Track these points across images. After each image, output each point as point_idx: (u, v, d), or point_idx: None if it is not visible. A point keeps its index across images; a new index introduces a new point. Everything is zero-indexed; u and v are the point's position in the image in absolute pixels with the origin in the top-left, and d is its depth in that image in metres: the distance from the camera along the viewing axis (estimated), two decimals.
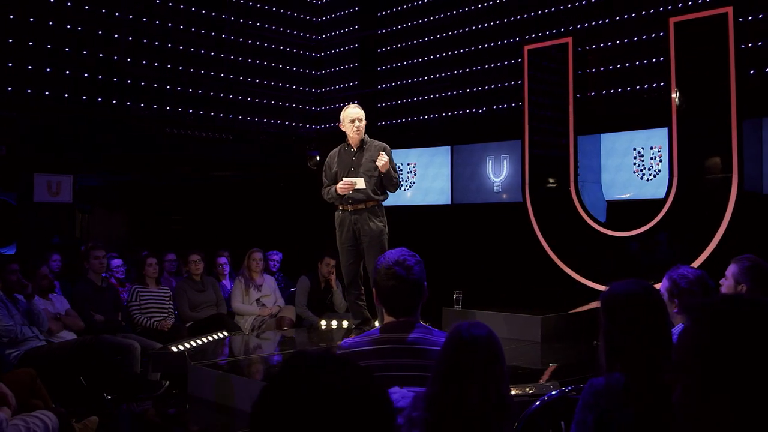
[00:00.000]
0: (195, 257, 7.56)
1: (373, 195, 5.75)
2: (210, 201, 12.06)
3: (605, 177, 8.41)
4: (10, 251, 9.82)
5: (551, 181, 8.22)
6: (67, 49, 8.59)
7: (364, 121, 5.88)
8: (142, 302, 7.04)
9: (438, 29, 10.06)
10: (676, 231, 7.23)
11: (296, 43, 11.05)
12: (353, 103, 6.24)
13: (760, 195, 7.14)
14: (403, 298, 2.81)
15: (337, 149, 6.05)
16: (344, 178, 5.76)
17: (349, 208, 5.83)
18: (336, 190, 5.77)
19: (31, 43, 8.33)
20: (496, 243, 9.03)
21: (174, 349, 5.72)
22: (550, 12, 8.91)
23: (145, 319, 6.95)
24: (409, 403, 2.11)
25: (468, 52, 9.70)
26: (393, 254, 2.84)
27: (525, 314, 6.58)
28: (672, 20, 7.23)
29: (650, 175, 8.03)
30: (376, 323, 5.93)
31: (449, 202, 9.78)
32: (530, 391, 4.03)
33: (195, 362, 5.24)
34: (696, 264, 7.07)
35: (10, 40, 8.19)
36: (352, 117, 5.87)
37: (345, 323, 7.36)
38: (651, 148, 8.00)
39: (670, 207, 7.23)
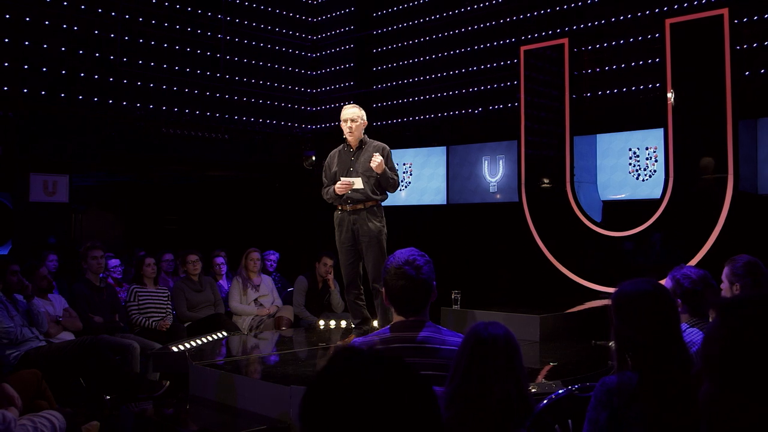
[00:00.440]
0: (193, 257, 7.56)
1: (371, 195, 5.76)
2: (205, 201, 12.07)
3: (601, 177, 8.46)
4: (3, 251, 9.79)
5: (547, 181, 8.26)
6: (63, 49, 8.58)
7: (358, 122, 5.87)
8: (140, 302, 7.04)
9: (433, 30, 10.09)
10: (673, 231, 7.28)
11: (292, 44, 11.05)
12: (350, 103, 6.25)
13: (755, 195, 7.19)
14: (413, 297, 2.84)
15: (337, 149, 6.06)
16: (342, 178, 5.78)
17: (348, 208, 5.84)
18: (335, 190, 5.78)
19: (27, 43, 8.31)
20: (492, 243, 9.07)
21: (174, 349, 5.71)
22: (546, 13, 8.95)
23: (144, 319, 6.94)
24: None
25: (464, 53, 9.74)
26: (403, 254, 2.86)
27: (524, 314, 6.60)
28: (668, 21, 7.28)
29: (646, 175, 8.08)
30: (375, 323, 5.96)
31: (445, 202, 9.81)
32: (533, 390, 4.06)
33: (196, 362, 5.24)
34: (692, 264, 7.14)
35: (6, 40, 8.17)
36: (344, 117, 5.91)
37: (343, 323, 7.37)
38: (647, 149, 8.06)
39: (666, 207, 7.28)
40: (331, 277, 8.00)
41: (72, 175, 8.82)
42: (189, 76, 9.69)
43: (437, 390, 2.33)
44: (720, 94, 6.90)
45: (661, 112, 7.28)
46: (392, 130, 10.18)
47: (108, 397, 5.56)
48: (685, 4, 7.69)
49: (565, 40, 8.14)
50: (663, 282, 3.61)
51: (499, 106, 9.30)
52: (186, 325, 7.17)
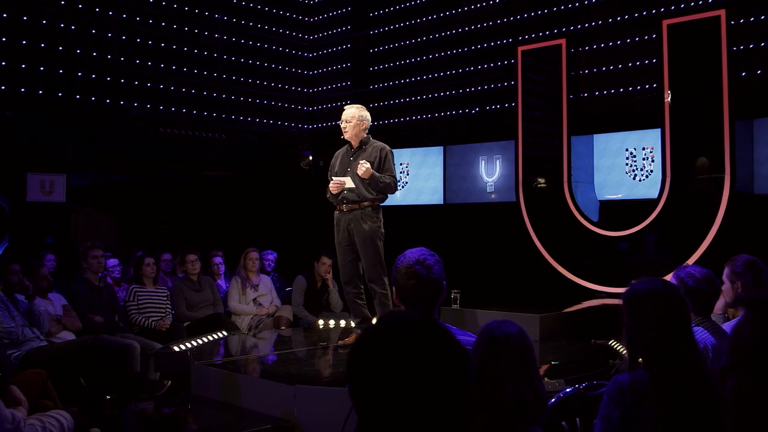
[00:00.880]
0: (192, 257, 7.57)
1: (367, 195, 5.77)
2: (202, 201, 12.06)
3: (597, 177, 8.50)
4: None
5: (545, 181, 8.30)
6: (60, 48, 8.56)
7: (352, 122, 5.89)
8: (139, 302, 7.03)
9: (430, 30, 10.11)
10: (670, 231, 7.33)
11: (289, 43, 11.06)
12: (347, 103, 6.27)
13: (752, 195, 7.24)
14: (423, 296, 2.86)
15: (341, 149, 6.08)
16: (334, 178, 5.82)
17: (345, 208, 5.87)
18: (328, 189, 5.85)
19: (24, 42, 8.29)
20: (490, 243, 9.10)
21: (176, 348, 5.72)
22: (543, 13, 8.98)
23: (143, 319, 6.94)
24: None
25: (461, 53, 9.76)
26: (414, 253, 2.89)
27: (523, 313, 6.63)
28: (665, 22, 7.33)
29: (642, 175, 8.13)
30: (374, 322, 5.97)
31: (442, 202, 9.83)
32: None
33: (199, 362, 5.25)
34: (689, 263, 7.18)
35: (4, 39, 8.15)
36: (341, 118, 5.96)
37: (342, 322, 7.39)
38: (643, 149, 8.10)
39: (663, 207, 7.33)
40: (330, 276, 8.01)
41: (70, 174, 8.80)
42: (186, 75, 9.68)
43: None
44: (717, 95, 6.95)
45: (658, 112, 7.33)
46: (389, 130, 10.20)
47: (108, 397, 5.55)
48: (682, 5, 7.73)
49: (563, 41, 8.19)
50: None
51: (496, 107, 9.32)
52: (185, 324, 7.17)
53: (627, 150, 8.22)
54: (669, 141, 7.24)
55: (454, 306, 7.03)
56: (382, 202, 5.94)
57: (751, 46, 7.32)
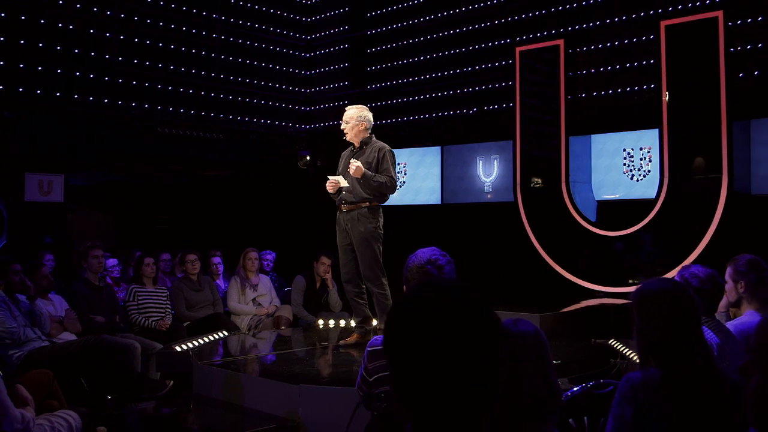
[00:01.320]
0: (192, 257, 7.57)
1: (364, 196, 5.78)
2: (199, 200, 12.04)
3: (595, 177, 8.54)
4: None
5: (543, 181, 8.33)
6: (58, 48, 8.55)
7: (350, 123, 5.92)
8: (139, 302, 7.03)
9: (428, 30, 10.14)
10: (668, 231, 7.37)
11: (286, 43, 11.07)
12: (344, 103, 6.30)
13: (749, 195, 7.29)
14: None
15: (347, 150, 6.10)
16: (329, 177, 5.83)
17: (344, 208, 5.90)
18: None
19: (22, 42, 8.27)
20: (487, 243, 9.12)
21: (177, 348, 5.72)
22: (541, 14, 9.02)
23: (143, 319, 6.94)
24: None
25: (459, 53, 9.79)
26: (425, 253, 2.91)
27: (523, 312, 6.66)
28: (663, 23, 7.37)
29: (640, 175, 8.17)
30: (374, 321, 5.99)
31: (439, 202, 9.86)
32: None
33: (201, 362, 5.26)
34: (687, 262, 7.23)
35: (2, 39, 8.13)
36: (342, 119, 5.99)
37: (342, 322, 7.41)
38: (641, 149, 8.14)
39: (661, 207, 7.37)
40: (329, 276, 8.03)
41: (68, 174, 8.78)
42: (184, 75, 9.68)
43: None
44: (714, 96, 7.00)
45: (656, 113, 7.37)
46: (387, 130, 10.21)
47: (109, 397, 5.55)
48: (680, 7, 7.78)
49: (561, 42, 8.22)
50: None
51: (494, 107, 9.36)
52: (185, 324, 7.17)
53: (624, 150, 8.26)
54: (667, 141, 7.29)
55: None
56: (382, 202, 5.94)
57: (749, 47, 7.37)
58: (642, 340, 2.49)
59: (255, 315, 7.69)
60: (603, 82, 8.42)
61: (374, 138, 6.03)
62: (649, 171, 8.07)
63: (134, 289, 7.08)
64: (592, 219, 8.15)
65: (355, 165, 5.63)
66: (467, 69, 9.66)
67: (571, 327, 6.78)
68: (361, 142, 5.98)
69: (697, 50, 7.15)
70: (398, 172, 10.04)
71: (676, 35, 7.28)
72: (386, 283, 5.82)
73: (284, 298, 8.26)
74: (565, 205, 8.11)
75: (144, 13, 9.39)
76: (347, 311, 7.82)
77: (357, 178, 5.71)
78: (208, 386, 5.08)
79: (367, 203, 5.80)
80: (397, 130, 10.23)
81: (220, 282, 8.32)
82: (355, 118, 5.94)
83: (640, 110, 8.08)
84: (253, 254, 7.92)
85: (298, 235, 10.52)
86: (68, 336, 6.04)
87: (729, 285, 3.84)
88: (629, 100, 8.26)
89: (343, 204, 5.87)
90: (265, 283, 8.01)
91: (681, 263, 7.25)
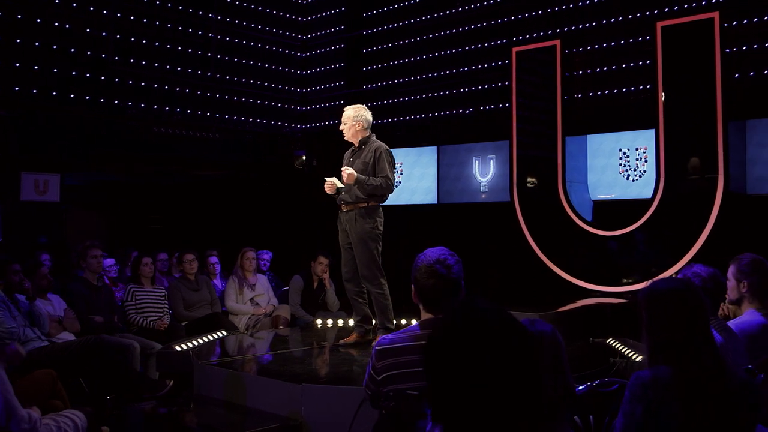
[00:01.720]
0: (190, 256, 7.56)
1: (360, 196, 5.80)
2: (195, 200, 12.02)
3: (591, 177, 8.58)
4: None
5: (539, 181, 8.36)
6: (54, 47, 8.53)
7: (347, 123, 5.93)
8: (137, 302, 7.01)
9: (424, 30, 10.16)
10: (664, 230, 7.41)
11: (282, 43, 11.07)
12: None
13: (744, 195, 7.34)
14: (443, 295, 2.90)
15: (349, 149, 6.11)
16: (326, 179, 5.84)
17: (343, 208, 5.91)
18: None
19: (18, 41, 8.24)
20: (483, 242, 9.14)
21: (177, 348, 5.72)
22: (538, 14, 9.06)
23: (141, 319, 6.92)
24: None
25: (455, 53, 9.81)
26: (433, 253, 2.92)
27: (521, 312, 6.67)
28: (659, 24, 7.41)
29: (636, 175, 8.21)
30: (374, 321, 5.99)
31: (435, 202, 9.88)
32: None
33: (202, 361, 5.26)
34: (682, 263, 7.27)
35: None
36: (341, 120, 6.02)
37: (340, 322, 7.42)
38: (637, 149, 8.19)
39: (657, 206, 7.41)
40: (326, 276, 8.03)
41: (63, 174, 8.76)
42: (180, 75, 9.68)
43: None
44: (710, 96, 7.05)
45: (652, 113, 7.41)
46: (383, 129, 10.19)
47: (108, 397, 5.54)
48: (676, 8, 7.83)
49: (557, 42, 8.25)
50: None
51: (490, 107, 9.39)
52: (183, 324, 7.16)
53: (620, 150, 8.30)
54: (663, 141, 7.33)
55: None
56: (381, 202, 5.94)
57: (744, 48, 7.43)
58: (651, 338, 2.51)
59: (253, 315, 7.68)
60: (599, 82, 8.46)
61: (374, 137, 6.02)
62: (644, 171, 8.11)
63: (132, 289, 7.06)
64: (588, 219, 8.19)
65: (347, 172, 5.65)
66: (464, 69, 9.69)
67: (568, 326, 6.80)
68: (359, 141, 5.98)
69: (693, 51, 7.19)
70: (394, 172, 10.04)
71: (672, 36, 7.32)
72: (385, 282, 5.83)
73: (281, 298, 8.26)
74: (562, 204, 8.15)
75: (140, 12, 9.38)
76: (345, 311, 7.83)
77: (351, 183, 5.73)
78: (209, 386, 5.08)
79: (365, 203, 5.81)
80: (393, 130, 10.24)
81: (217, 282, 8.32)
82: (352, 118, 5.95)
83: (636, 111, 8.13)
84: (251, 254, 7.91)
85: (295, 235, 10.52)
86: (67, 336, 6.02)
87: (731, 283, 3.87)
88: (625, 101, 8.31)
89: (342, 204, 5.89)
90: (262, 282, 8.01)
91: (677, 263, 7.31)
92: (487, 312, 1.35)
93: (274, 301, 8.01)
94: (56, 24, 8.56)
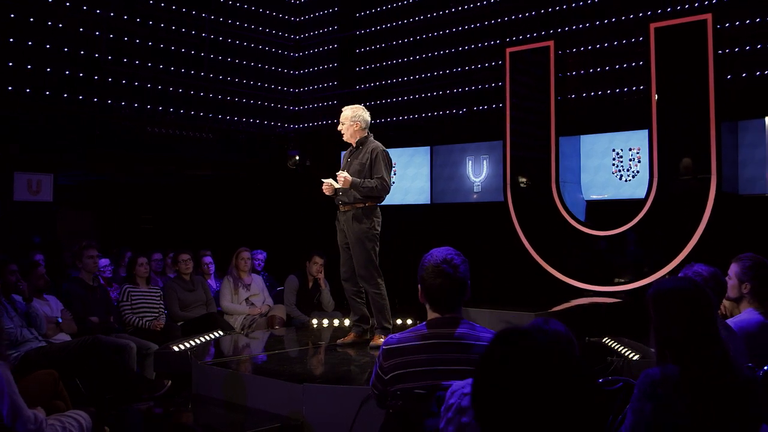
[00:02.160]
0: (185, 256, 7.55)
1: (357, 197, 5.81)
2: (188, 200, 11.99)
3: (584, 177, 8.62)
4: None
5: (533, 181, 8.39)
6: (48, 46, 8.49)
7: (345, 124, 5.95)
8: (133, 302, 7.00)
9: (418, 30, 10.18)
10: (657, 230, 7.46)
11: (275, 43, 11.06)
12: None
13: (737, 196, 7.40)
14: (450, 295, 2.92)
15: (348, 149, 6.13)
16: (323, 180, 5.86)
17: (341, 208, 5.93)
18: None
19: (11, 40, 8.20)
20: (477, 242, 9.16)
21: (175, 348, 5.72)
22: (531, 15, 9.09)
23: (137, 319, 6.91)
24: None
25: (449, 54, 9.84)
26: (440, 253, 2.94)
27: (517, 311, 6.72)
28: (652, 26, 7.46)
29: (629, 176, 8.26)
30: (372, 321, 6.01)
31: (429, 202, 9.90)
32: None
33: (201, 361, 5.25)
34: (676, 262, 7.33)
35: None
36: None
37: (336, 322, 7.43)
38: (630, 150, 8.24)
39: (650, 207, 7.46)
40: (321, 276, 8.04)
41: (57, 174, 8.73)
42: (174, 75, 9.66)
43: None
44: (703, 97, 7.10)
45: (645, 114, 7.46)
46: (376, 130, 10.14)
47: (107, 397, 5.53)
48: (669, 9, 7.88)
49: (551, 43, 8.29)
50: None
51: (483, 107, 9.42)
52: (179, 324, 7.15)
53: (614, 151, 8.35)
54: (656, 142, 7.38)
55: None
56: (379, 202, 5.96)
57: (737, 49, 7.49)
58: (659, 337, 2.54)
59: (248, 315, 7.68)
60: (592, 83, 8.51)
61: (371, 138, 6.05)
62: (637, 172, 8.16)
63: (128, 289, 7.05)
64: (582, 219, 8.23)
65: (342, 177, 5.67)
66: (457, 69, 9.71)
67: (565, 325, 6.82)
68: (357, 142, 6.01)
69: (687, 52, 7.24)
70: (391, 173, 10.04)
71: (665, 37, 7.37)
72: (382, 282, 5.85)
73: (276, 298, 8.26)
74: (555, 205, 8.18)
75: (133, 12, 9.35)
76: (340, 311, 7.85)
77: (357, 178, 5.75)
78: (209, 386, 5.08)
79: (363, 204, 5.83)
80: (386, 130, 10.25)
81: (211, 282, 8.31)
82: (350, 118, 5.97)
83: (629, 111, 8.18)
84: (246, 254, 7.91)
85: (289, 235, 10.52)
86: (64, 336, 6.01)
87: (732, 282, 3.91)
88: (618, 101, 8.35)
89: (340, 204, 5.92)
90: (257, 282, 8.01)
91: (670, 263, 7.37)
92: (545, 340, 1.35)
93: (270, 301, 8.01)
94: (49, 23, 8.53)
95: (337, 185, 5.77)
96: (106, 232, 12.48)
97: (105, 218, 12.66)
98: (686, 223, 7.24)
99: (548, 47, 8.29)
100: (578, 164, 8.63)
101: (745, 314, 3.84)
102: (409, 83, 10.16)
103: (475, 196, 9.47)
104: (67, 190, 11.25)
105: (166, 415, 4.95)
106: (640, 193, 7.72)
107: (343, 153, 6.24)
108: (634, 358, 5.49)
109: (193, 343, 5.94)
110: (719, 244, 6.98)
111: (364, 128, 6.01)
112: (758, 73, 7.46)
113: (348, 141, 6.03)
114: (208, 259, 8.43)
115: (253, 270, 8.35)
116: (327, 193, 5.87)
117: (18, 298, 5.61)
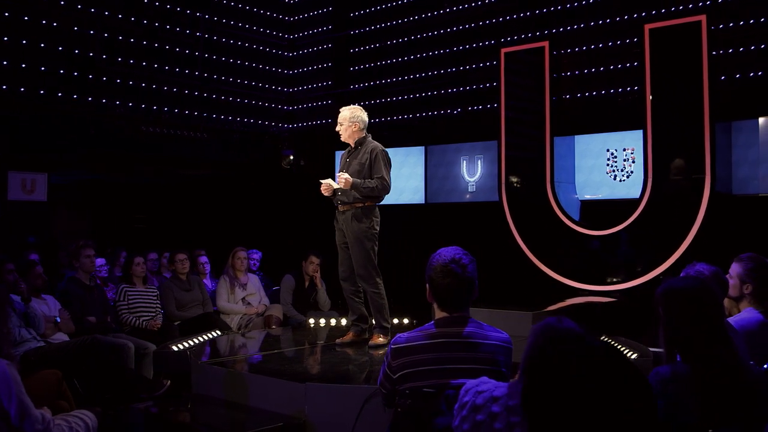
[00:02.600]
0: (181, 256, 7.53)
1: (356, 196, 5.82)
2: (182, 200, 11.95)
3: (579, 177, 8.67)
4: None
5: (527, 181, 8.43)
6: (42, 45, 8.46)
7: (344, 124, 5.94)
8: (130, 302, 6.98)
9: (412, 30, 10.20)
10: (651, 230, 7.51)
11: (269, 43, 11.06)
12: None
13: (730, 196, 7.47)
14: (458, 294, 2.93)
15: (346, 150, 6.13)
16: (321, 181, 5.86)
17: (340, 208, 5.94)
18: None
19: (6, 39, 8.17)
20: (471, 242, 9.17)
21: (174, 348, 5.71)
22: (526, 16, 9.13)
23: (134, 319, 6.89)
24: (505, 392, 2.22)
25: (443, 54, 9.86)
26: (449, 252, 2.95)
27: (514, 311, 6.74)
28: (647, 27, 7.52)
29: (623, 176, 8.32)
30: (373, 321, 6.01)
31: (423, 202, 9.92)
32: None
33: (201, 361, 5.25)
34: (670, 262, 7.39)
35: None
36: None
37: (333, 321, 7.43)
38: (624, 150, 8.29)
39: (645, 206, 7.52)
40: (318, 275, 8.04)
41: (51, 173, 8.70)
42: (168, 74, 9.64)
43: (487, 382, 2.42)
44: (697, 98, 7.16)
45: (640, 114, 7.52)
46: (370, 129, 10.20)
47: (107, 397, 5.51)
48: (663, 10, 7.94)
49: (546, 43, 8.33)
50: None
51: (478, 107, 9.45)
52: (176, 324, 7.14)
53: (608, 151, 8.41)
54: (651, 142, 7.43)
55: None
56: (378, 202, 5.97)
57: (731, 50, 7.55)
58: (667, 335, 2.57)
59: (245, 314, 7.68)
60: (587, 83, 8.56)
61: (370, 138, 6.05)
62: (632, 172, 8.22)
63: (124, 289, 7.03)
64: (576, 219, 8.27)
65: (343, 178, 5.67)
66: (452, 69, 9.74)
67: None
68: (355, 142, 6.01)
69: (681, 53, 7.30)
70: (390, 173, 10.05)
71: (660, 38, 7.43)
72: (381, 282, 5.86)
73: (272, 298, 8.26)
74: (550, 204, 8.22)
75: (128, 11, 9.32)
76: (336, 310, 7.85)
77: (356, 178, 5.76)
78: (209, 385, 5.07)
79: (362, 203, 5.84)
80: (380, 129, 10.25)
81: (207, 281, 8.29)
82: (348, 119, 5.97)
83: (623, 112, 8.23)
84: (242, 253, 7.90)
85: (284, 235, 10.52)
86: (62, 336, 5.98)
87: (734, 282, 3.94)
88: (613, 102, 8.41)
89: (339, 204, 5.92)
90: (254, 282, 8.00)
91: (664, 262, 7.42)
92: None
93: (266, 300, 8.00)
94: (44, 22, 8.50)
95: (336, 185, 5.78)
96: (101, 231, 12.43)
97: (99, 218, 12.61)
98: (680, 223, 7.30)
99: (543, 47, 8.33)
100: (573, 164, 8.68)
101: (746, 313, 3.88)
102: (404, 83, 10.18)
103: (469, 196, 9.51)
104: (62, 190, 11.21)
105: (166, 414, 4.94)
106: (635, 193, 7.77)
107: (338, 153, 6.24)
108: (631, 357, 5.52)
109: (191, 343, 5.93)
110: (713, 243, 7.04)
111: (363, 129, 6.02)
112: (752, 74, 7.53)
113: (346, 141, 6.03)
114: (203, 259, 8.41)
115: (249, 270, 8.35)
116: (325, 194, 5.88)
117: (16, 298, 5.59)
